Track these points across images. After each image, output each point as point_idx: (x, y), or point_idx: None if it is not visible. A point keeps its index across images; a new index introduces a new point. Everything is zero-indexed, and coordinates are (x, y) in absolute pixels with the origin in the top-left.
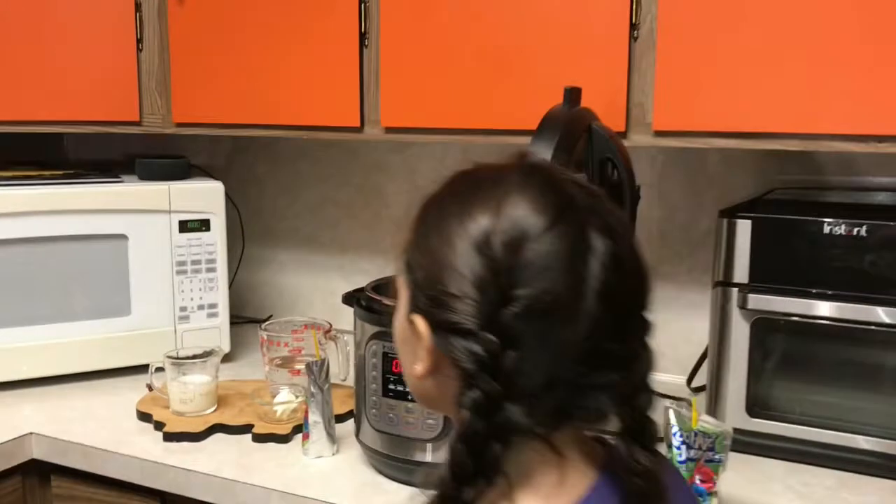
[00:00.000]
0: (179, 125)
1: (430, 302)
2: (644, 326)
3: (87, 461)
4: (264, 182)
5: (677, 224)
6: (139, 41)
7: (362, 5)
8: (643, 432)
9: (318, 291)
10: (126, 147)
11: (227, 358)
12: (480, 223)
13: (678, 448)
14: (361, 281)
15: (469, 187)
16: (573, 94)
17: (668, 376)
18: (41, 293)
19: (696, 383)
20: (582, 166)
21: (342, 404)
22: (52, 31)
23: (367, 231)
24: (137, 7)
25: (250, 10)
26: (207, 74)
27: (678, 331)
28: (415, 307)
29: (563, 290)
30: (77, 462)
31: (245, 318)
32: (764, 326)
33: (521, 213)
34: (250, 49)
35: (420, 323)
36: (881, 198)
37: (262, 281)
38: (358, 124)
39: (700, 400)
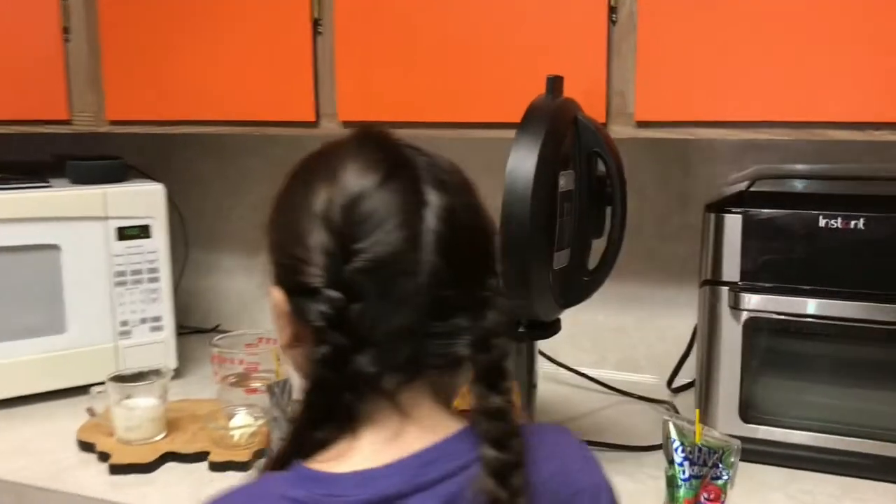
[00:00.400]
0: (113, 123)
1: (284, 271)
2: (489, 275)
3: (22, 501)
4: (208, 182)
5: (649, 218)
6: (66, 30)
7: None
8: (496, 378)
9: (266, 298)
10: (55, 147)
11: (174, 374)
12: (321, 193)
13: (680, 465)
14: None
15: (312, 163)
16: (556, 84)
17: (644, 376)
18: None
19: (676, 383)
20: (569, 161)
21: None
22: None
23: None
24: None
25: None
26: (143, 66)
27: (652, 329)
28: (273, 280)
29: (400, 243)
30: (8, 502)
31: (190, 328)
32: (757, 327)
33: (355, 175)
34: (191, 38)
35: (276, 293)
36: (872, 188)
37: (206, 287)
38: (313, 118)
39: (679, 403)
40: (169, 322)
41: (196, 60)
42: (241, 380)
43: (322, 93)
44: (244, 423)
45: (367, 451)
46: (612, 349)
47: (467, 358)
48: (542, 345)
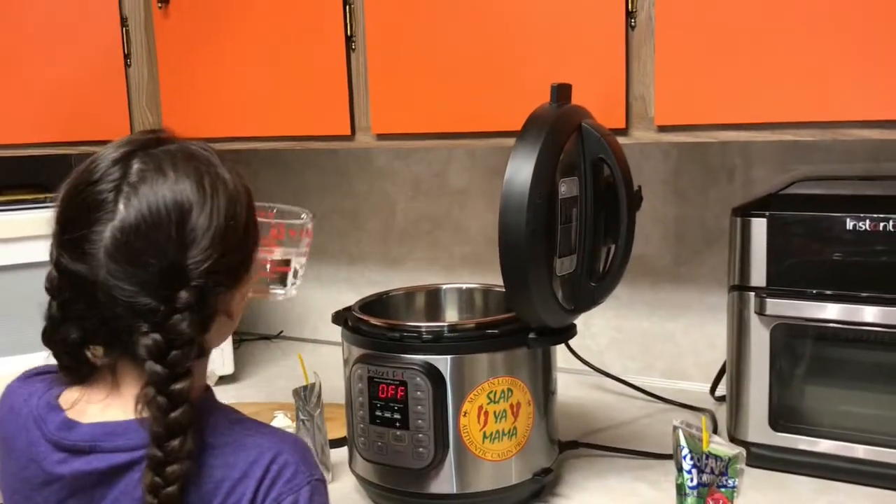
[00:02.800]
0: None
1: None
2: (177, 287)
3: None
4: (269, 193)
5: (695, 222)
6: (127, 56)
7: (347, 7)
8: (164, 384)
9: (329, 304)
10: None
11: (231, 378)
12: (70, 180)
13: (689, 472)
14: (371, 292)
15: None
16: (561, 92)
17: (691, 384)
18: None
19: (720, 391)
20: (574, 168)
21: (342, 426)
22: (40, 51)
23: (375, 240)
24: (123, 22)
25: (236, 19)
26: (196, 87)
27: (700, 336)
28: None
29: (86, 244)
30: None
31: (256, 334)
32: (785, 332)
33: (88, 163)
34: (238, 59)
35: None
36: None
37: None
38: (349, 132)
39: (722, 412)
40: None
41: (242, 81)
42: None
43: (357, 107)
44: (283, 426)
45: (94, 408)
46: (659, 357)
47: (144, 359)
48: (585, 353)
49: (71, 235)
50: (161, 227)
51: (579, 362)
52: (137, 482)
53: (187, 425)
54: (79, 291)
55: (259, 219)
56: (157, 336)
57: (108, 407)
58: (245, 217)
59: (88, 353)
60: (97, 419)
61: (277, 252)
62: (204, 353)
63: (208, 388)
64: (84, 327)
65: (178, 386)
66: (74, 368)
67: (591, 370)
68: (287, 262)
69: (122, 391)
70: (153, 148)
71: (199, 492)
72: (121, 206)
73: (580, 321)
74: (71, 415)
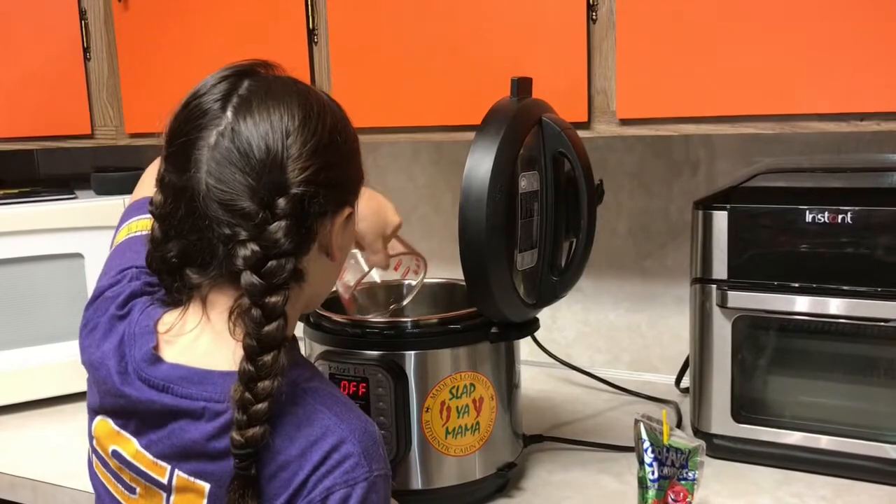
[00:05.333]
0: (133, 136)
1: None
2: (274, 199)
3: (36, 496)
4: None
5: (659, 215)
6: (86, 50)
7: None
8: (261, 295)
9: None
10: (96, 160)
11: None
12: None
13: (650, 465)
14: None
15: None
16: (521, 85)
17: (657, 376)
18: None
19: (685, 383)
20: (534, 162)
21: None
22: None
23: None
24: (82, 15)
25: (196, 12)
26: (156, 81)
27: (666, 328)
28: None
29: (191, 149)
30: (26, 497)
31: None
32: (747, 325)
33: (202, 83)
34: (198, 52)
35: None
36: (887, 179)
37: None
38: None
39: (687, 404)
40: None
41: (203, 74)
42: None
43: None
44: None
45: (184, 339)
46: (625, 349)
47: (241, 269)
48: (552, 346)
49: (176, 146)
50: (266, 135)
51: (546, 356)
52: (196, 429)
53: (281, 340)
54: (180, 202)
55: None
56: (254, 246)
57: (198, 337)
58: (349, 139)
59: (189, 274)
60: (180, 359)
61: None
62: (301, 278)
63: (295, 339)
64: (183, 246)
65: (272, 299)
66: (174, 291)
67: (559, 363)
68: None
69: (213, 320)
70: (262, 71)
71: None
72: (228, 114)
73: (546, 315)
74: (161, 345)
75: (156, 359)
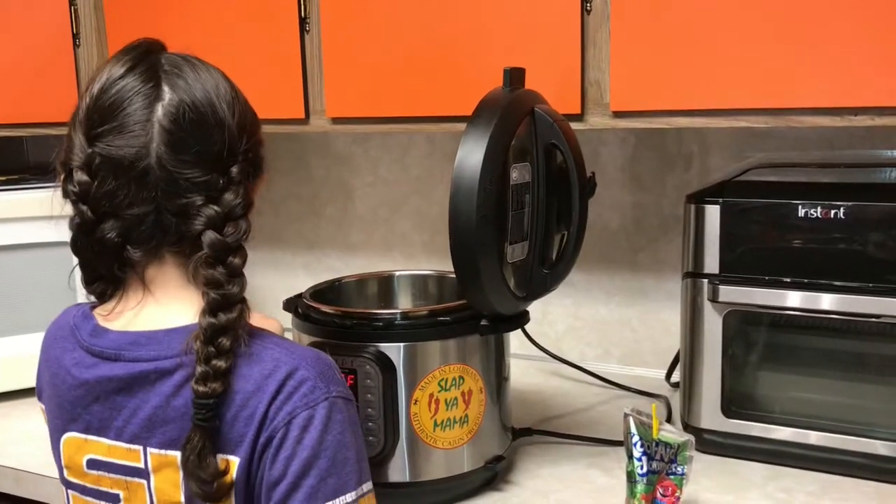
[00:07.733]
0: None
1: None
2: (228, 165)
3: (19, 485)
4: None
5: (652, 209)
6: (76, 36)
7: None
8: (224, 254)
9: (285, 291)
10: None
11: None
12: (91, 86)
13: (639, 459)
14: (329, 278)
15: None
16: (514, 76)
17: (647, 370)
18: None
19: (675, 378)
20: (526, 153)
21: None
22: None
23: (332, 226)
24: (72, 1)
25: None
26: None
27: (657, 323)
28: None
29: (134, 125)
30: (9, 487)
31: None
32: (738, 320)
33: (110, 66)
34: (189, 40)
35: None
36: (880, 174)
37: None
38: (303, 115)
39: (677, 398)
40: None
41: None
42: None
43: (311, 90)
44: None
45: (127, 314)
46: (616, 343)
47: (201, 234)
48: (543, 339)
49: (111, 124)
50: (214, 107)
51: (536, 349)
52: (154, 395)
53: (242, 295)
54: (119, 179)
55: None
56: (215, 207)
57: (140, 311)
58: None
59: (130, 249)
60: (126, 327)
61: None
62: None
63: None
64: (122, 223)
65: (235, 259)
66: (107, 277)
67: (549, 357)
68: None
69: (156, 293)
70: (157, 47)
71: None
72: (165, 88)
73: (537, 308)
74: (103, 322)
75: (102, 330)
